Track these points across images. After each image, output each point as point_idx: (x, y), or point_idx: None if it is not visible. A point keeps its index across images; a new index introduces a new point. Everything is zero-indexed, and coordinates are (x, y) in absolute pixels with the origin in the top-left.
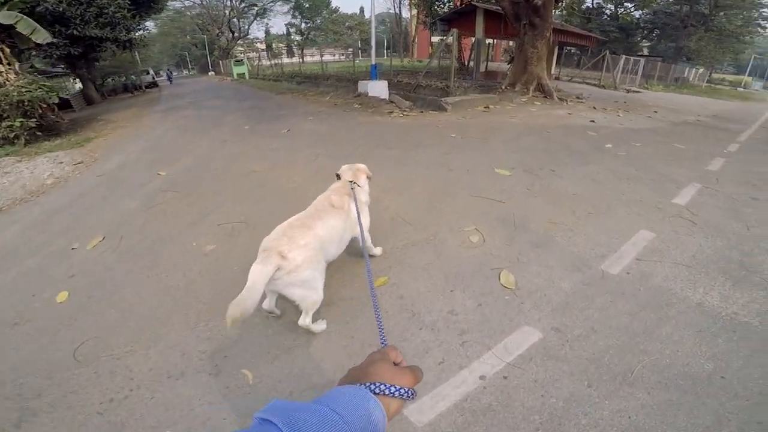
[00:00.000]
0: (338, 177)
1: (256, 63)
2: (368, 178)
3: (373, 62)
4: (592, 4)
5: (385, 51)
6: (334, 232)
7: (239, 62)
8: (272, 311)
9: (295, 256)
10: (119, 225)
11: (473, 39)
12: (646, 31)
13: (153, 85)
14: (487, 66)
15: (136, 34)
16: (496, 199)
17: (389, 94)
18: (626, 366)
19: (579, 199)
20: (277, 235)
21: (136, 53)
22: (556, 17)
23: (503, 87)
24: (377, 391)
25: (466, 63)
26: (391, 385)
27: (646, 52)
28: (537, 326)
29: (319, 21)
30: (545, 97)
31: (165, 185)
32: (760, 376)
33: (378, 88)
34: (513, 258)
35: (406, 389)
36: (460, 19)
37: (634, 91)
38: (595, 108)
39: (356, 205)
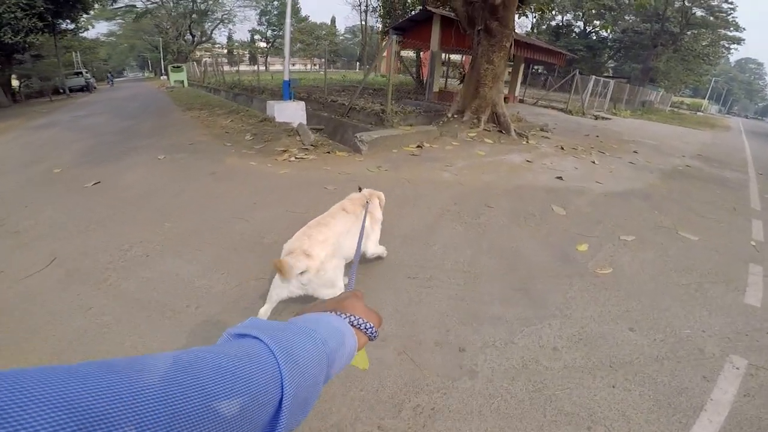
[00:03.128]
0: (360, 189)
1: (203, 70)
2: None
3: (286, 77)
4: (562, 20)
5: (356, 64)
6: (348, 232)
7: (178, 68)
8: None
9: (318, 253)
10: None
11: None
12: (612, 51)
13: (84, 88)
14: (446, 84)
15: (30, 36)
16: None
17: (305, 119)
18: None
19: None
20: (298, 237)
21: (76, 54)
22: (523, 32)
23: (449, 115)
24: (355, 323)
25: (424, 80)
26: (366, 321)
27: (609, 72)
28: None
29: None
30: (500, 131)
31: None
32: None
33: (289, 112)
34: None
35: (374, 328)
36: (415, 28)
37: (603, 118)
38: (562, 148)
39: (365, 217)
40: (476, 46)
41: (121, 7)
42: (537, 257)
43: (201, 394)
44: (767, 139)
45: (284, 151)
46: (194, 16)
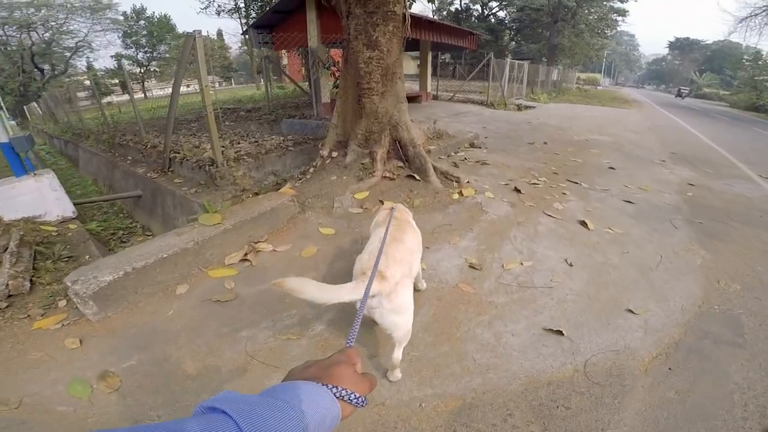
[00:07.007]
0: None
1: (42, 108)
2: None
3: (4, 139)
4: (461, 4)
5: (258, 77)
6: (416, 246)
7: None
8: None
9: (394, 273)
10: None
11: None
12: (513, 32)
13: None
14: None
15: None
16: None
17: (68, 205)
18: None
19: None
20: (373, 253)
21: None
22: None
23: (324, 154)
24: (338, 395)
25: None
26: (352, 392)
27: (511, 55)
28: None
29: (163, 49)
30: (411, 176)
31: None
32: None
33: (26, 199)
34: None
35: (363, 398)
36: (287, 21)
37: (527, 107)
38: (519, 192)
39: (389, 224)
40: (346, 20)
41: None
42: None
43: None
44: (692, 114)
45: None
46: (34, 48)
